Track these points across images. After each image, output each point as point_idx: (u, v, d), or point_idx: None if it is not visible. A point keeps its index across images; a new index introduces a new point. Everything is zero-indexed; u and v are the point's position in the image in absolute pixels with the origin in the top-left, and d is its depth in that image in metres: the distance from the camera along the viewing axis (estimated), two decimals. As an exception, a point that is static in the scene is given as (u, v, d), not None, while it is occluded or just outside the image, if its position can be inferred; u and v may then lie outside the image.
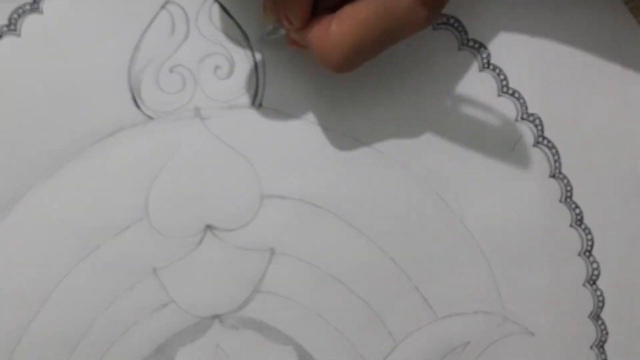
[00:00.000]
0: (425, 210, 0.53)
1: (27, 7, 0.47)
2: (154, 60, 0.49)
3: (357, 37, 0.45)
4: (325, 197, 0.52)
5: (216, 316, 0.52)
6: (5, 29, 0.47)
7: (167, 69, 0.49)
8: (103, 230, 0.50)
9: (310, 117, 0.51)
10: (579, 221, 0.55)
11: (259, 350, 0.52)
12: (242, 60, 0.50)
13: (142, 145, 0.50)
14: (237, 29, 0.50)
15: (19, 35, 0.48)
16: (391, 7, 0.44)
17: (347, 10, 0.45)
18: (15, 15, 0.47)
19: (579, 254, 0.55)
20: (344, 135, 0.52)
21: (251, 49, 0.50)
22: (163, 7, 0.49)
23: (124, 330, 0.51)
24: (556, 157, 0.54)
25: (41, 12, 0.48)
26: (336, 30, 0.45)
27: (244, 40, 0.50)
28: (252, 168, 0.51)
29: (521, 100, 0.54)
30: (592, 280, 0.55)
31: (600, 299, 0.55)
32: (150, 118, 0.50)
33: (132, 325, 0.51)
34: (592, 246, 0.55)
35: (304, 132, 0.52)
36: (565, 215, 0.55)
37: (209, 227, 0.51)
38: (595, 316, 0.55)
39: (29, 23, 0.48)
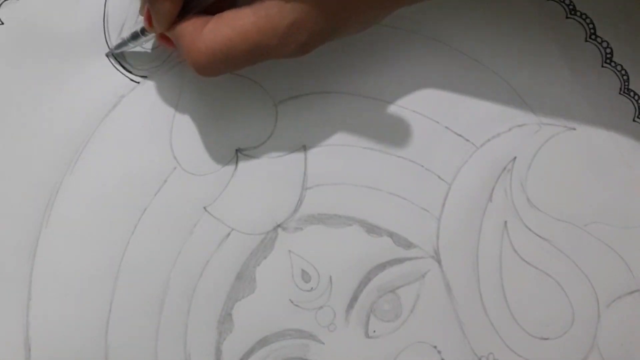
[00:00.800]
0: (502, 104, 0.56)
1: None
2: (125, 23, 0.52)
3: (229, 43, 0.45)
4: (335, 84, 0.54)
5: (277, 226, 0.53)
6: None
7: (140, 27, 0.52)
8: (144, 192, 0.52)
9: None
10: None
11: (328, 241, 0.53)
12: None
13: (147, 103, 0.52)
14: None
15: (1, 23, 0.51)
16: (272, 23, 0.44)
17: (227, 15, 0.45)
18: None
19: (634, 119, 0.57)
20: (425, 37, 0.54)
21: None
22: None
23: (199, 274, 0.52)
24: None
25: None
26: (210, 30, 0.45)
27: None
28: (261, 87, 0.53)
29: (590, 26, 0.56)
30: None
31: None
32: (144, 78, 0.52)
33: (205, 266, 0.52)
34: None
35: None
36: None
37: (238, 150, 0.52)
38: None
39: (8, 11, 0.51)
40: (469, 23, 0.55)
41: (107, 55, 0.51)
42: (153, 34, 0.49)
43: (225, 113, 0.52)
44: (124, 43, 0.50)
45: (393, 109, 0.54)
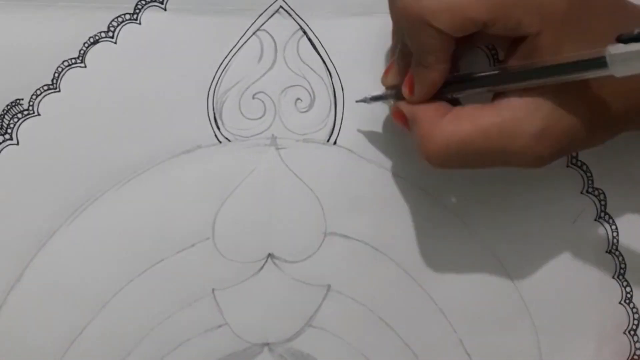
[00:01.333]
0: (481, 270, 0.53)
1: (127, 16, 0.49)
2: (239, 84, 0.51)
3: (468, 140, 0.43)
4: (387, 243, 0.52)
5: (266, 344, 0.52)
6: (103, 35, 0.49)
7: (250, 95, 0.51)
8: (168, 244, 0.51)
9: (382, 162, 0.52)
10: (628, 299, 0.54)
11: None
12: (323, 96, 0.51)
13: (216, 165, 0.51)
14: (322, 65, 0.51)
15: (115, 42, 0.50)
16: (518, 128, 0.42)
17: (469, 109, 0.44)
18: (114, 23, 0.49)
19: (624, 332, 0.54)
20: (414, 186, 0.52)
21: (333, 86, 0.51)
22: (254, 33, 0.50)
23: (176, 346, 0.51)
24: (615, 234, 0.54)
25: (139, 23, 0.50)
26: (450, 122, 0.44)
27: (328, 77, 0.51)
28: (319, 203, 0.52)
29: (588, 174, 0.54)
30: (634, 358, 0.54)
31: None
32: (228, 140, 0.51)
33: (184, 342, 0.51)
34: (637, 325, 0.54)
35: (374, 176, 0.52)
36: (616, 292, 0.54)
37: (270, 255, 0.51)
38: None
39: (126, 32, 0.50)
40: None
41: (359, 101, 0.51)
42: (382, 101, 0.49)
43: (277, 216, 0.51)
44: (380, 98, 0.50)
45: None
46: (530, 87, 0.42)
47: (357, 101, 0.51)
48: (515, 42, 0.43)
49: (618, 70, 0.38)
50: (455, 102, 0.46)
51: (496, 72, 0.44)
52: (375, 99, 0.50)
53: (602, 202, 0.54)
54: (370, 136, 0.51)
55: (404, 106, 0.46)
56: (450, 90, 0.45)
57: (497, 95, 0.44)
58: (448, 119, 0.44)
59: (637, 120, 0.45)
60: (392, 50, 0.50)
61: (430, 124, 0.44)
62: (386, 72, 0.49)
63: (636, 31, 0.37)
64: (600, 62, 0.39)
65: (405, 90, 0.46)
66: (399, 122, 0.48)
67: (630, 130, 0.46)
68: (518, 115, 0.42)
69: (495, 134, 0.42)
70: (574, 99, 0.42)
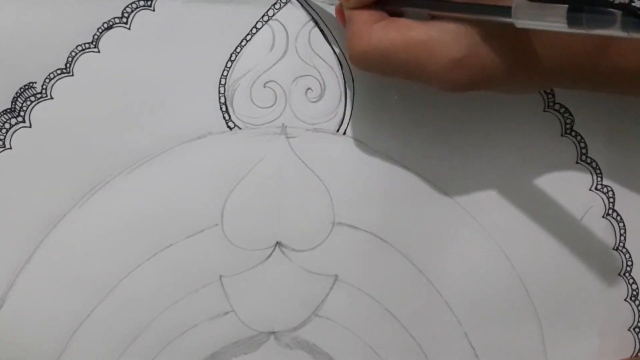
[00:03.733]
0: (487, 264, 0.54)
1: (141, 2, 0.50)
2: (250, 72, 0.51)
3: (391, 48, 0.44)
4: (394, 234, 0.53)
5: (272, 332, 0.52)
6: (117, 20, 0.50)
7: (261, 83, 0.51)
8: (177, 230, 0.51)
9: (391, 153, 0.52)
10: (634, 296, 0.54)
11: (305, 377, 0.53)
12: (334, 86, 0.52)
13: (226, 153, 0.51)
14: (333, 55, 0.51)
15: (128, 28, 0.50)
16: (441, 49, 0.44)
17: (401, 21, 0.45)
18: (128, 9, 0.50)
19: (629, 329, 0.54)
20: (422, 177, 0.53)
21: (344, 77, 0.51)
22: (266, 22, 0.51)
23: (182, 332, 0.51)
24: (622, 231, 0.54)
25: (153, 10, 0.50)
26: (380, 28, 0.45)
27: (338, 67, 0.51)
28: (328, 193, 0.52)
29: (597, 171, 0.54)
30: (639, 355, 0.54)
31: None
32: (238, 128, 0.51)
33: (190, 328, 0.51)
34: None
35: (383, 167, 0.52)
36: (622, 289, 0.54)
37: (279, 243, 0.52)
38: None
39: (140, 18, 0.50)
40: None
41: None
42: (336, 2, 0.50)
43: (286, 204, 0.52)
44: None
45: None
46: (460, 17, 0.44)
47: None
48: None
49: (518, 22, 0.40)
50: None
51: None
52: None
53: (611, 200, 0.54)
54: (380, 127, 0.52)
55: (344, 6, 0.48)
56: (386, 4, 0.46)
57: (434, 18, 0.45)
58: (379, 26, 0.45)
59: (564, 78, 0.47)
60: None
61: (361, 26, 0.46)
62: None
63: None
64: (508, 12, 0.40)
65: None
66: (340, 20, 0.49)
67: (559, 87, 0.48)
68: (444, 38, 0.44)
69: (418, 49, 0.44)
70: (501, 37, 0.43)
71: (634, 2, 0.36)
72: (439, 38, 0.43)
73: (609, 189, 0.54)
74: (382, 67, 0.46)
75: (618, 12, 0.36)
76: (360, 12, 0.46)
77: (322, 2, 0.51)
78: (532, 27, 0.40)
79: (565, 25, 0.37)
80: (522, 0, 0.39)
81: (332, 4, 0.50)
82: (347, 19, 0.47)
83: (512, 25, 0.41)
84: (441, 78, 0.44)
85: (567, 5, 0.37)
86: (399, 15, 0.46)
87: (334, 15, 0.49)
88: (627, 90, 0.49)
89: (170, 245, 0.51)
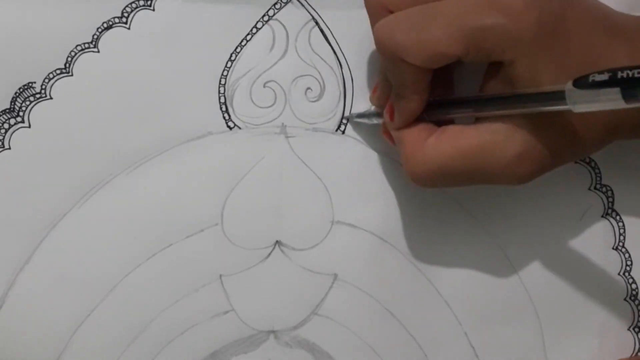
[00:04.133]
0: (487, 263, 0.54)
1: (141, 2, 0.50)
2: (250, 72, 0.51)
3: (449, 162, 0.44)
4: (394, 233, 0.53)
5: (272, 331, 0.52)
6: (117, 20, 0.50)
7: (261, 83, 0.51)
8: (177, 229, 0.51)
9: (390, 152, 0.52)
10: (633, 296, 0.54)
11: (308, 374, 0.53)
12: (333, 86, 0.52)
13: (226, 152, 0.51)
14: (332, 55, 0.51)
15: (128, 28, 0.50)
16: (497, 150, 0.43)
17: (450, 131, 0.45)
18: (128, 9, 0.50)
19: (629, 328, 0.54)
20: (422, 177, 0.53)
21: (343, 77, 0.51)
22: (267, 22, 0.51)
23: (182, 331, 0.51)
24: (622, 231, 0.54)
25: (153, 9, 0.50)
26: (432, 145, 0.45)
27: (338, 67, 0.51)
28: (327, 192, 0.52)
29: (596, 171, 0.54)
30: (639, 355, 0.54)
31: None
32: (238, 128, 0.51)
33: (191, 327, 0.52)
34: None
35: (382, 166, 0.52)
36: (621, 289, 0.55)
37: (278, 243, 0.52)
38: None
39: (140, 18, 0.50)
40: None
41: (345, 118, 0.52)
42: (369, 120, 0.51)
43: (285, 204, 0.52)
44: (364, 115, 0.51)
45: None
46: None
47: (343, 119, 0.52)
48: (494, 67, 0.44)
49: (576, 107, 0.39)
50: (442, 121, 0.47)
51: (474, 98, 0.45)
52: (361, 116, 0.51)
53: (610, 199, 0.54)
54: (379, 126, 0.52)
55: (389, 127, 0.48)
56: (432, 114, 0.46)
57: (479, 118, 0.44)
58: (430, 142, 0.45)
59: (622, 132, 0.46)
60: (382, 68, 0.50)
61: (413, 146, 0.45)
62: (373, 92, 0.51)
63: (590, 79, 0.37)
64: (560, 96, 0.39)
65: (386, 117, 0.48)
66: (387, 139, 0.49)
67: (619, 139, 0.46)
68: (497, 138, 0.43)
69: (475, 157, 0.43)
70: (553, 121, 0.43)
71: None
72: (493, 140, 0.43)
73: (608, 188, 0.54)
74: (444, 181, 0.45)
75: None
76: (409, 131, 0.46)
77: (358, 119, 0.51)
78: (590, 109, 0.38)
79: (623, 103, 0.37)
80: (573, 88, 0.38)
81: (370, 122, 0.51)
82: (397, 139, 0.47)
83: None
84: (505, 178, 0.44)
85: (619, 88, 0.36)
86: (448, 122, 0.46)
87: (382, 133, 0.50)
88: None
89: (170, 244, 0.51)
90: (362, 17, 0.47)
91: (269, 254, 0.52)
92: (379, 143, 0.52)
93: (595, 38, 0.43)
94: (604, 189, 0.54)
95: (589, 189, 0.54)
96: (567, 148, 0.44)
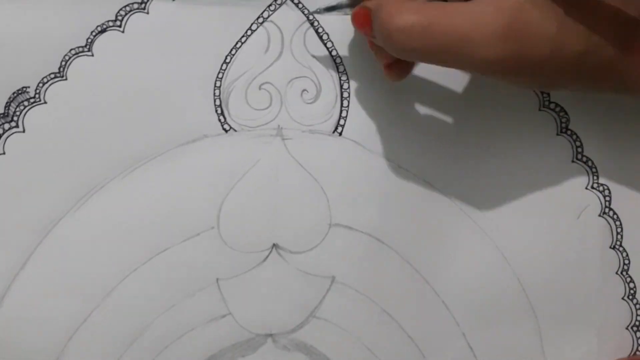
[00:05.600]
0: (484, 263, 0.53)
1: (135, 5, 0.49)
2: (245, 74, 0.51)
3: (434, 26, 0.42)
4: (391, 235, 0.52)
5: (270, 335, 0.52)
6: (111, 23, 0.49)
7: (256, 85, 0.51)
8: (173, 233, 0.51)
9: (387, 154, 0.52)
10: (631, 295, 0.54)
11: (303, 378, 0.53)
12: (329, 87, 0.51)
13: (222, 155, 0.51)
14: (328, 56, 0.51)
15: (122, 31, 0.50)
16: (480, 20, 0.41)
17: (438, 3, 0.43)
18: (122, 12, 0.49)
19: (627, 327, 0.54)
20: (418, 177, 0.52)
21: (339, 78, 0.51)
22: (261, 24, 0.50)
23: (179, 335, 0.51)
24: (619, 230, 0.54)
25: (147, 12, 0.50)
26: (416, 5, 0.42)
27: (334, 68, 0.51)
28: (324, 195, 0.52)
29: (593, 170, 0.54)
30: (635, 355, 0.54)
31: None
32: (234, 130, 0.51)
33: (188, 331, 0.51)
34: (640, 321, 0.55)
35: (379, 167, 0.52)
36: (619, 288, 0.54)
37: (275, 246, 0.51)
38: None
39: (134, 21, 0.50)
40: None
41: (314, 12, 0.51)
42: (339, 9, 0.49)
43: (282, 206, 0.51)
44: (335, 8, 0.50)
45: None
46: None
47: (310, 12, 0.51)
48: None
49: None
50: None
51: None
52: (330, 9, 0.50)
53: (607, 198, 0.54)
54: (376, 128, 0.52)
55: (369, 2, 0.45)
56: None
57: None
58: (414, 3, 0.42)
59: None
60: None
61: (393, 8, 0.42)
62: None
63: None
64: None
65: None
66: (360, 25, 0.45)
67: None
68: (487, 9, 0.41)
69: (461, 19, 0.41)
70: (544, 4, 0.41)
71: None
72: (482, 9, 0.41)
73: (605, 187, 0.54)
74: (424, 45, 0.42)
75: None
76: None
77: (328, 12, 0.51)
78: None
79: None
80: None
81: (345, 15, 0.50)
82: (377, 8, 0.44)
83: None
84: (487, 52, 0.42)
85: None
86: None
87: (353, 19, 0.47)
88: None
89: (167, 248, 0.51)
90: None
91: (266, 257, 0.51)
92: (376, 144, 0.52)
93: None
94: (600, 188, 0.54)
95: (586, 188, 0.54)
96: (554, 38, 0.42)
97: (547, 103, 0.53)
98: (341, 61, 0.51)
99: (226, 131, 0.51)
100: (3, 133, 0.49)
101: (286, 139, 0.51)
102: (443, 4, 0.42)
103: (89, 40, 0.49)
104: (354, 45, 0.51)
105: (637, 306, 0.54)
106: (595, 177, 0.54)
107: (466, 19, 0.41)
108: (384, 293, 0.53)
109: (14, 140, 0.49)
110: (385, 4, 0.43)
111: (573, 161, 0.54)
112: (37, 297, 0.50)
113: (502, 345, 0.54)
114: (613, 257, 0.54)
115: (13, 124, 0.49)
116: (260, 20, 0.50)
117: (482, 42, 0.41)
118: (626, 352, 0.54)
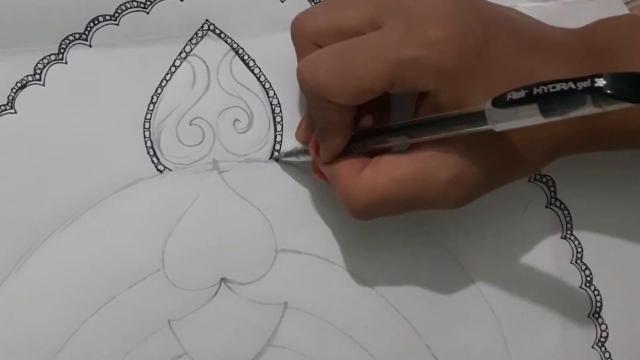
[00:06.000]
0: (437, 271, 0.53)
1: (52, 57, 0.49)
2: (174, 112, 0.50)
3: (386, 193, 0.43)
4: (339, 254, 0.52)
5: (227, 370, 0.52)
6: (30, 78, 0.49)
7: (186, 122, 0.50)
8: (119, 281, 0.50)
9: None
10: (589, 282, 0.54)
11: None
12: (261, 114, 0.51)
13: (159, 196, 0.50)
14: (257, 82, 0.51)
15: (43, 84, 0.49)
16: (431, 176, 0.43)
17: (384, 162, 0.44)
18: (40, 65, 0.49)
19: (588, 315, 0.54)
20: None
21: (270, 103, 0.51)
22: (184, 59, 0.50)
23: (136, 382, 0.51)
24: (568, 219, 0.54)
25: (65, 62, 0.49)
26: (367, 177, 0.44)
27: (264, 94, 0.51)
28: (267, 222, 0.51)
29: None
30: (600, 342, 0.54)
31: (608, 362, 0.54)
32: (169, 170, 0.50)
33: (145, 377, 0.51)
34: (600, 308, 0.54)
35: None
36: (576, 277, 0.54)
37: (224, 279, 0.51)
38: None
39: (54, 73, 0.49)
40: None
41: (273, 159, 0.51)
42: (298, 159, 0.50)
43: (226, 240, 0.51)
44: (292, 154, 0.51)
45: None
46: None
47: (270, 159, 0.51)
48: (422, 95, 0.43)
49: (497, 126, 0.38)
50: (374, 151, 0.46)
51: (399, 126, 0.44)
52: (288, 154, 0.51)
53: (552, 189, 0.54)
54: (308, 164, 0.51)
55: (318, 163, 0.47)
56: (360, 146, 0.46)
57: (412, 145, 0.44)
58: (366, 174, 0.44)
59: (564, 149, 0.46)
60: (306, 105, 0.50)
61: (348, 179, 0.45)
62: (299, 127, 0.50)
63: (508, 97, 0.37)
64: (482, 117, 0.39)
65: (312, 152, 0.47)
66: (320, 178, 0.48)
67: (563, 156, 0.46)
68: (431, 164, 0.43)
69: (410, 184, 0.43)
70: (486, 143, 0.42)
71: (595, 82, 0.35)
72: (425, 166, 0.43)
73: (549, 178, 0.54)
74: (384, 211, 0.45)
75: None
76: (341, 165, 0.46)
77: (286, 158, 0.51)
78: (511, 127, 0.38)
79: (542, 118, 0.36)
80: (492, 107, 0.38)
81: (299, 160, 0.51)
82: (329, 176, 0.47)
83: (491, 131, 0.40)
84: (441, 202, 0.44)
85: (536, 104, 0.36)
86: (381, 151, 0.45)
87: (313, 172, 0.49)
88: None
89: (114, 297, 0.50)
90: (283, 40, 0.47)
91: (216, 292, 0.51)
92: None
93: (527, 58, 0.43)
94: (544, 179, 0.54)
95: (529, 181, 0.54)
96: (504, 169, 0.44)
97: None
98: (270, 86, 0.51)
99: (161, 172, 0.50)
100: None
101: (223, 171, 0.51)
102: (389, 168, 0.43)
103: (10, 98, 0.48)
104: (282, 68, 0.51)
105: (596, 293, 0.54)
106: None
107: (414, 183, 0.43)
108: (338, 312, 0.52)
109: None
110: (337, 178, 0.46)
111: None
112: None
113: (466, 351, 0.54)
114: (565, 247, 0.54)
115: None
116: (183, 55, 0.50)
117: (435, 198, 0.43)
118: (591, 340, 0.55)
